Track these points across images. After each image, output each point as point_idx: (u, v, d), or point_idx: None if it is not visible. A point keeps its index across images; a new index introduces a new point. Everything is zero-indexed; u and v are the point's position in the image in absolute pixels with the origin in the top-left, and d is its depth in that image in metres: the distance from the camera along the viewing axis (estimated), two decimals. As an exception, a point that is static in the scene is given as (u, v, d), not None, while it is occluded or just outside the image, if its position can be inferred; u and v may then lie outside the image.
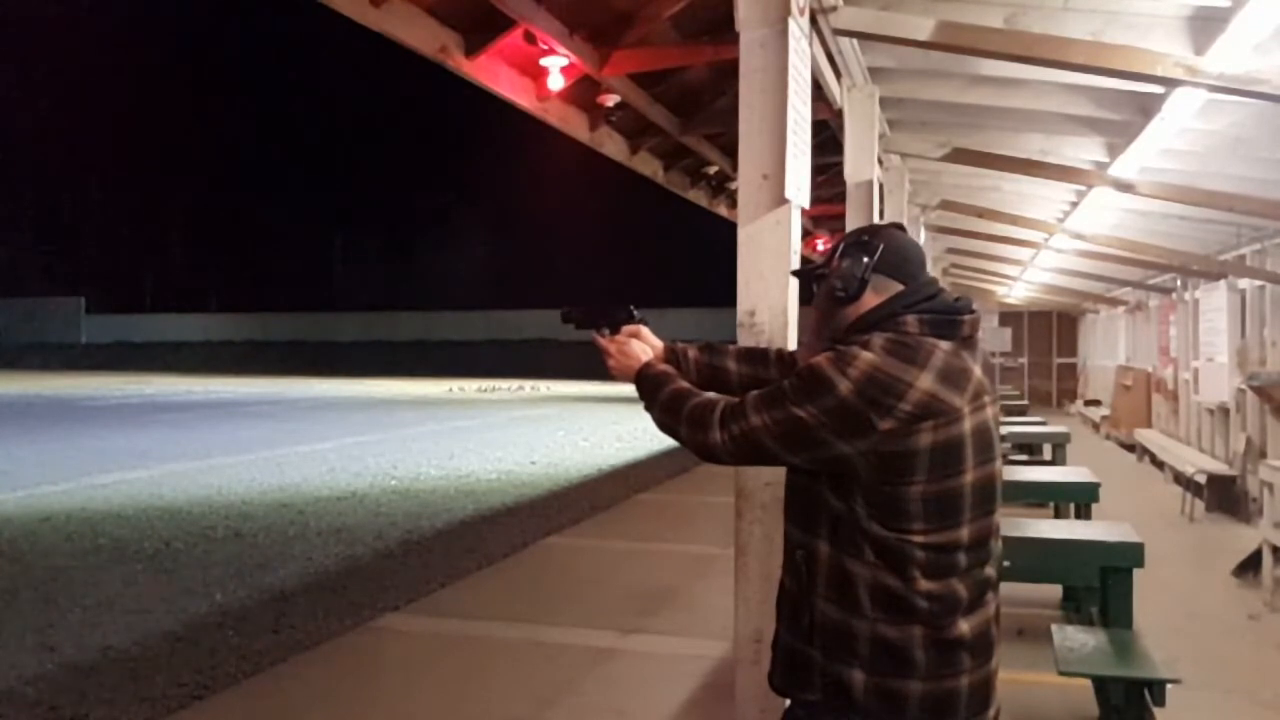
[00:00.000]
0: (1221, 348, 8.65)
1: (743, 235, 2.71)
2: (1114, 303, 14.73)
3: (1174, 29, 3.58)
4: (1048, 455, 9.23)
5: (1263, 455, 7.38)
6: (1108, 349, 16.75)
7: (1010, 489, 5.36)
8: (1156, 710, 3.38)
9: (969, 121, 5.78)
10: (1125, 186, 5.76)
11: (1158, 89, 4.16)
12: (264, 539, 7.46)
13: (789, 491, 1.70)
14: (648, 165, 8.21)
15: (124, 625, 5.29)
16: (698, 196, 9.70)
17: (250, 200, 61.28)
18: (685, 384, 1.79)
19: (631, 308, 2.03)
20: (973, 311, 1.63)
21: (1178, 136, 4.92)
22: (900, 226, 1.76)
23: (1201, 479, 8.09)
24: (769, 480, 2.61)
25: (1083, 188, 6.67)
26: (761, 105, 2.67)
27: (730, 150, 7.80)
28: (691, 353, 2.03)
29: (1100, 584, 4.11)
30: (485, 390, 28.14)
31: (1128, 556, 4.02)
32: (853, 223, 4.98)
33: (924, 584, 1.53)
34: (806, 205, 2.82)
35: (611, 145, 7.24)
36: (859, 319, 1.65)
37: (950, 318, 1.60)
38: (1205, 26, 3.48)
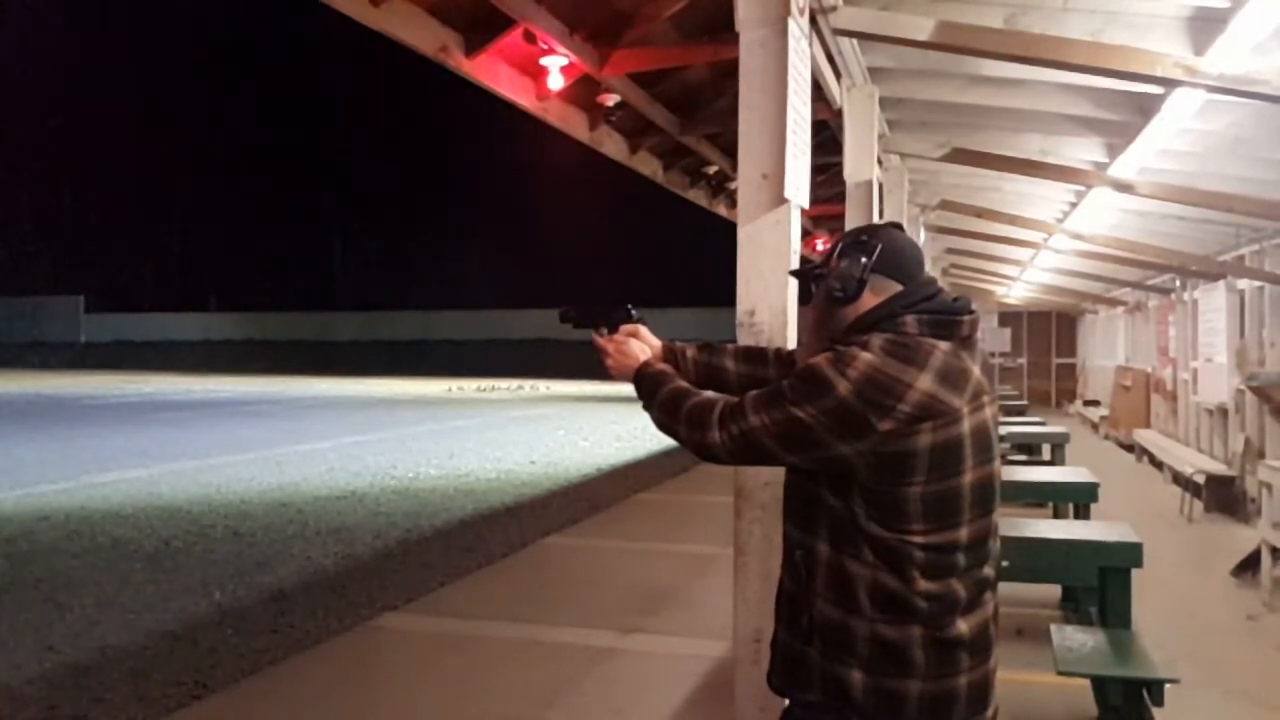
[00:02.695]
0: (1220, 348, 8.66)
1: (742, 235, 2.71)
2: (1113, 303, 14.74)
3: (1173, 29, 3.58)
4: (1047, 455, 9.23)
5: (1261, 455, 7.39)
6: (1107, 349, 16.76)
7: (1009, 489, 5.38)
8: (1155, 710, 3.38)
9: (968, 121, 5.78)
10: (1124, 187, 5.77)
11: (1157, 89, 4.16)
12: (263, 538, 7.46)
13: (788, 491, 1.70)
14: (647, 165, 8.22)
15: (123, 624, 5.29)
16: (697, 196, 9.71)
17: (250, 199, 61.29)
18: (684, 383, 1.79)
19: (630, 307, 2.03)
20: (972, 312, 1.63)
21: (1177, 137, 4.93)
22: (899, 226, 1.76)
23: (1200, 479, 8.09)
24: (768, 480, 2.61)
25: (1082, 188, 6.67)
26: (761, 105, 2.67)
27: (730, 150, 7.80)
28: (690, 352, 2.03)
29: (1099, 584, 4.11)
30: (485, 390, 28.13)
31: (1126, 556, 4.02)
32: (852, 223, 4.98)
33: (923, 584, 1.53)
34: (806, 205, 2.82)
35: (611, 145, 7.24)
36: (858, 319, 1.65)
37: (949, 318, 1.60)
38: (1205, 27, 3.48)
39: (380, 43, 4.57)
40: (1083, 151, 5.89)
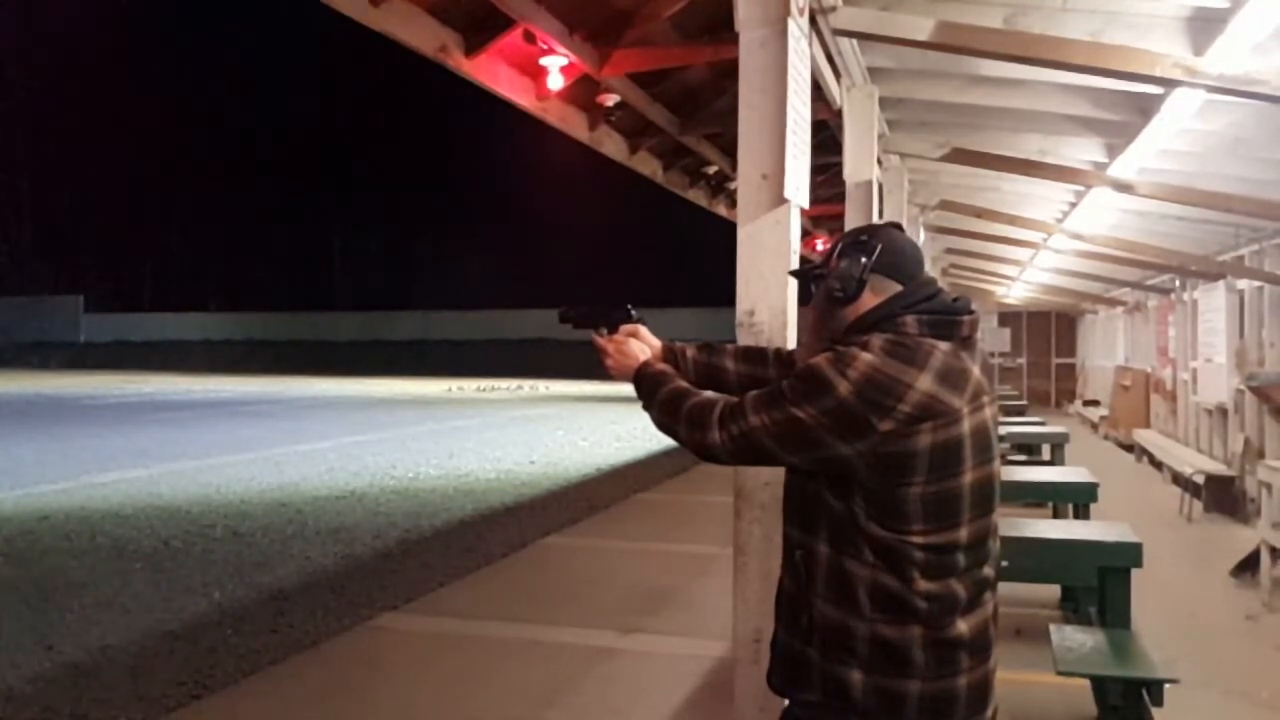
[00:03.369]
0: (1220, 348, 8.66)
1: (742, 235, 2.71)
2: (1113, 303, 14.74)
3: (1173, 29, 3.58)
4: (1046, 455, 9.23)
5: (1261, 456, 7.39)
6: (1106, 349, 16.76)
7: (1009, 489, 5.38)
8: (1154, 710, 3.38)
9: (968, 121, 5.78)
10: (1124, 187, 5.77)
11: (1156, 89, 4.16)
12: (262, 538, 7.46)
13: (788, 492, 1.70)
14: (647, 165, 8.22)
15: (122, 624, 5.29)
16: (697, 196, 9.71)
17: (250, 199, 61.28)
18: (684, 383, 1.79)
19: (629, 307, 2.03)
20: (971, 312, 1.63)
21: (1176, 137, 4.93)
22: (898, 226, 1.76)
23: (1200, 479, 8.10)
24: (768, 480, 2.61)
25: (1081, 188, 6.67)
26: (761, 105, 2.67)
27: (730, 150, 7.80)
28: (690, 352, 2.03)
29: (1098, 584, 4.11)
30: (484, 390, 28.13)
31: (1126, 556, 4.02)
32: (852, 223, 4.98)
33: (923, 584, 1.53)
34: (806, 205, 2.82)
35: (611, 145, 7.24)
36: (858, 319, 1.65)
37: (949, 318, 1.60)
38: (1204, 27, 3.48)
39: (380, 42, 4.56)
40: (1082, 151, 5.89)
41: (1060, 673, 3.32)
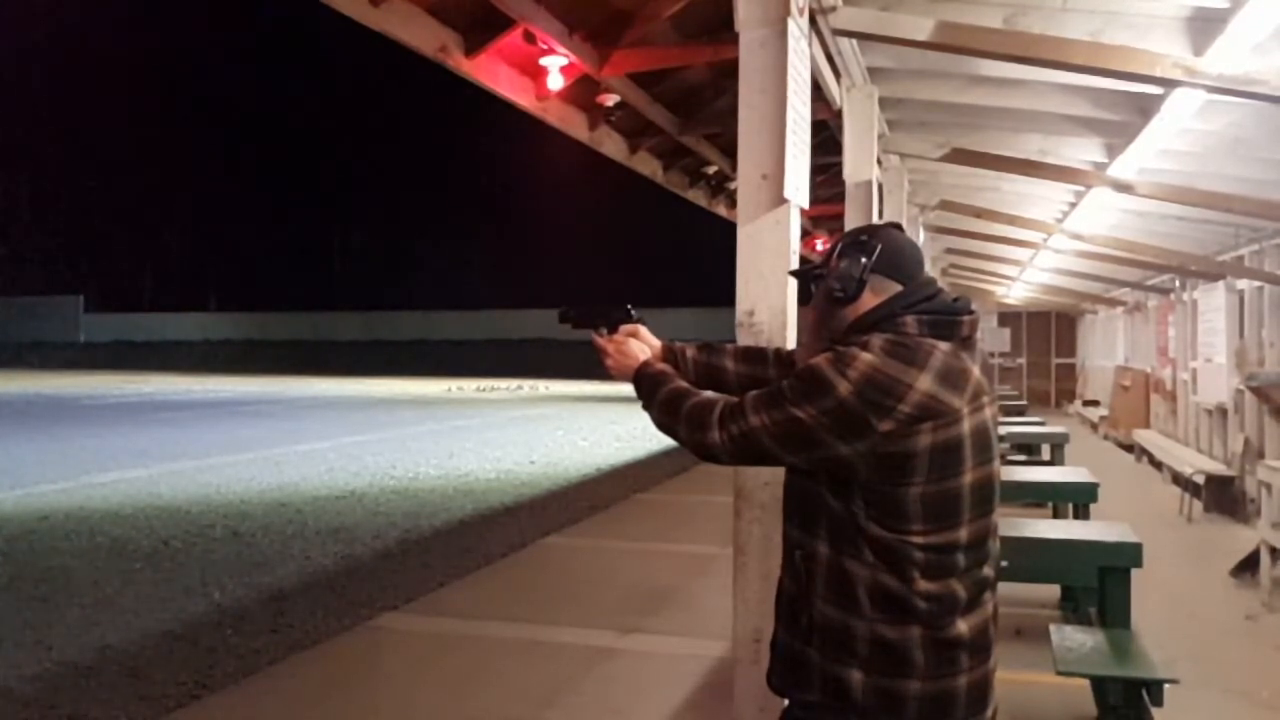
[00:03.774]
0: (1220, 348, 8.66)
1: (742, 235, 2.71)
2: (1112, 303, 14.74)
3: (1173, 29, 3.58)
4: (1046, 455, 9.23)
5: (1261, 456, 7.39)
6: (1106, 349, 16.76)
7: (1009, 489, 5.38)
8: (1154, 710, 3.39)
9: (968, 122, 5.78)
10: (1124, 187, 5.76)
11: (1156, 90, 4.16)
12: (262, 538, 7.46)
13: (788, 492, 1.70)
14: (647, 165, 8.21)
15: (122, 624, 5.29)
16: (697, 196, 9.70)
17: (249, 199, 61.32)
18: (684, 383, 1.79)
19: (629, 307, 2.03)
20: (971, 312, 1.63)
21: (1176, 137, 4.93)
22: (898, 226, 1.76)
23: (1200, 479, 8.10)
24: (768, 480, 2.61)
25: (1081, 188, 6.67)
26: (761, 105, 2.67)
27: (729, 150, 7.80)
28: (690, 352, 2.03)
29: (1098, 584, 4.11)
30: (484, 390, 28.13)
31: (1126, 556, 4.03)
32: (852, 223, 4.98)
33: (923, 584, 1.53)
34: (806, 205, 2.82)
35: (611, 145, 7.24)
36: (858, 319, 1.65)
37: (949, 318, 1.60)
38: (1204, 27, 3.48)
39: (380, 42, 4.56)
40: (1082, 152, 5.89)
41: (1060, 673, 3.32)
